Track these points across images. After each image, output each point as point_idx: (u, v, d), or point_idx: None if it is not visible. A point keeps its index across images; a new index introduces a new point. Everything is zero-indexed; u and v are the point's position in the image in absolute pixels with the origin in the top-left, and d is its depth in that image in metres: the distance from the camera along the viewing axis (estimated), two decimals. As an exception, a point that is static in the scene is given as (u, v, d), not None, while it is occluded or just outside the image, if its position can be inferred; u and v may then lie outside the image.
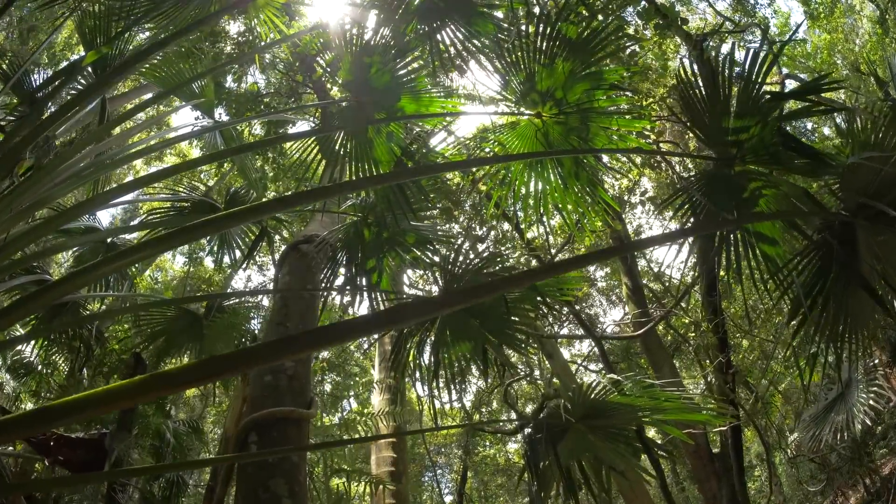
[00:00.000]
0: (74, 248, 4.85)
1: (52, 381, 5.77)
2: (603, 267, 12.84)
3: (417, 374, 3.69)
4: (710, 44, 8.82)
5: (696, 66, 2.85)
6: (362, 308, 3.86)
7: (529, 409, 14.76)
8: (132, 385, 0.96)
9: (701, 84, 2.79)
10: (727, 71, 2.73)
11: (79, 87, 3.67)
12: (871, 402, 6.99)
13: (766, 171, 2.82)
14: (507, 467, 16.37)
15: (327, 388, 13.59)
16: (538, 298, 3.61)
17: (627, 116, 3.37)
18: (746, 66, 2.69)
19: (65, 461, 1.40)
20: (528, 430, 3.43)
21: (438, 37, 3.51)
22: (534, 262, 9.67)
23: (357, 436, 9.20)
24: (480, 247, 9.01)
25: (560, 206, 3.56)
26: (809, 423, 7.72)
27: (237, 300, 4.91)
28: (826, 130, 13.13)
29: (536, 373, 13.04)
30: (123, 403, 0.95)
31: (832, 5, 14.36)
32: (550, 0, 4.83)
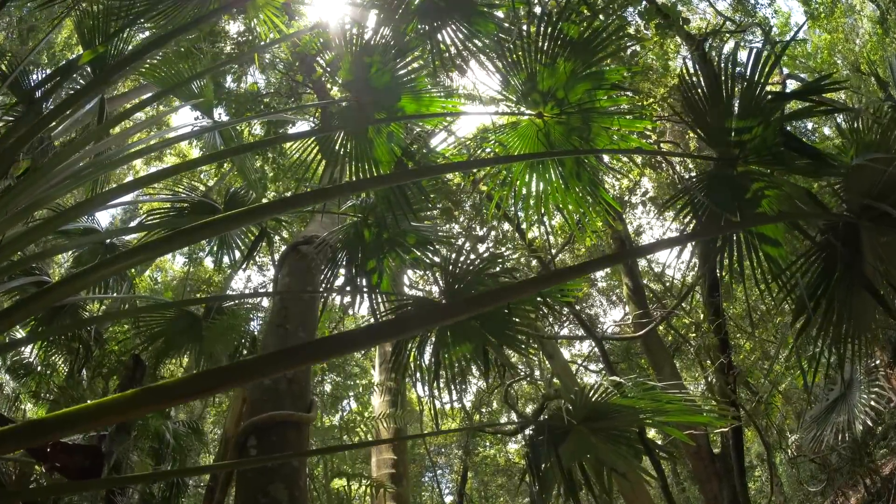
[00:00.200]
0: (74, 249, 4.84)
1: (52, 382, 5.76)
2: (603, 267, 12.81)
3: (418, 375, 3.68)
4: (711, 44, 8.81)
5: (698, 67, 2.83)
6: (362, 309, 3.84)
7: (530, 409, 14.75)
8: (125, 399, 0.94)
9: (703, 84, 2.77)
10: (729, 71, 2.71)
11: (78, 86, 3.65)
12: (872, 402, 6.98)
13: (769, 171, 2.81)
14: (507, 467, 16.35)
15: (327, 388, 13.58)
16: (539, 299, 3.60)
17: (629, 116, 3.35)
18: (749, 67, 2.68)
19: (62, 467, 1.38)
20: (529, 432, 3.41)
21: (439, 36, 3.49)
22: (534, 263, 9.65)
23: (357, 437, 9.19)
24: (481, 247, 9.00)
25: (561, 206, 3.55)
26: (811, 423, 7.71)
27: (237, 301, 4.90)
28: (826, 130, 13.12)
29: (537, 373, 13.02)
30: (116, 417, 0.94)
31: (832, 5, 14.35)
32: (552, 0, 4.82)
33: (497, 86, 3.35)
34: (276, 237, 5.65)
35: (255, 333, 4.88)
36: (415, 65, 3.48)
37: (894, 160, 2.43)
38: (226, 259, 4.60)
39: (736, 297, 11.22)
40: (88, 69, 3.90)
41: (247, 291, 12.99)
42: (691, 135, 9.65)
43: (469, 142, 3.85)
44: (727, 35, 10.22)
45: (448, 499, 18.77)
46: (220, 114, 7.74)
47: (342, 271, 3.94)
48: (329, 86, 7.55)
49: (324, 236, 3.99)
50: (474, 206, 8.94)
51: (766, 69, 2.67)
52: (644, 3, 6.88)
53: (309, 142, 3.72)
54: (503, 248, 9.67)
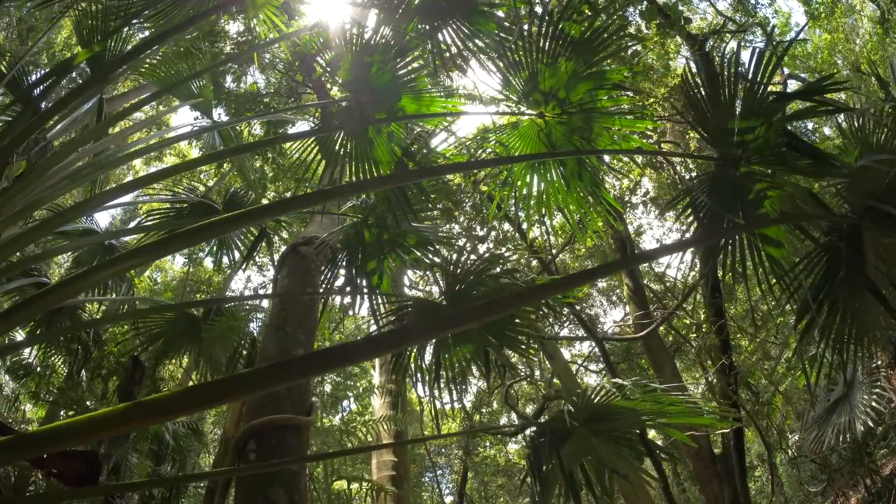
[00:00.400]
0: (72, 251, 4.82)
1: (52, 383, 5.74)
2: (603, 267, 12.78)
3: (418, 376, 3.66)
4: (711, 44, 8.79)
5: (700, 67, 2.82)
6: (363, 310, 3.83)
7: (530, 409, 14.73)
8: (117, 413, 0.92)
9: (706, 84, 2.76)
10: (732, 71, 2.70)
11: (77, 87, 3.64)
12: (873, 403, 6.97)
13: (771, 172, 2.79)
14: (507, 468, 16.33)
15: (327, 388, 13.56)
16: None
17: (630, 116, 3.34)
18: (751, 67, 2.66)
19: (59, 474, 1.36)
20: (531, 434, 3.40)
21: (439, 36, 3.47)
22: (534, 263, 9.64)
23: (357, 438, 9.17)
24: (481, 248, 8.98)
25: (563, 206, 3.53)
26: (812, 424, 7.69)
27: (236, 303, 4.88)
28: (827, 130, 13.10)
29: (537, 374, 13.01)
30: (108, 432, 0.92)
31: (833, 5, 14.33)
32: (552, -1, 4.80)
33: (498, 85, 3.33)
34: (276, 237, 5.63)
35: (255, 335, 4.86)
36: (415, 64, 3.47)
37: (899, 161, 2.41)
38: (225, 259, 4.59)
39: (737, 297, 11.21)
40: (89, 70, 3.88)
41: (247, 292, 12.97)
42: (692, 135, 9.65)
43: (469, 142, 3.83)
44: (728, 35, 10.21)
45: (448, 499, 18.76)
46: (219, 114, 7.72)
47: (342, 272, 3.92)
48: (329, 86, 7.53)
49: (324, 237, 3.97)
50: (474, 207, 8.93)
51: (769, 69, 2.66)
52: (645, 2, 6.86)
53: (309, 142, 3.70)
54: (503, 249, 9.65)
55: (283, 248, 4.70)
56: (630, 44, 6.03)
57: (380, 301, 3.80)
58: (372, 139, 3.54)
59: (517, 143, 3.49)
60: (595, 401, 3.21)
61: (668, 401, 3.11)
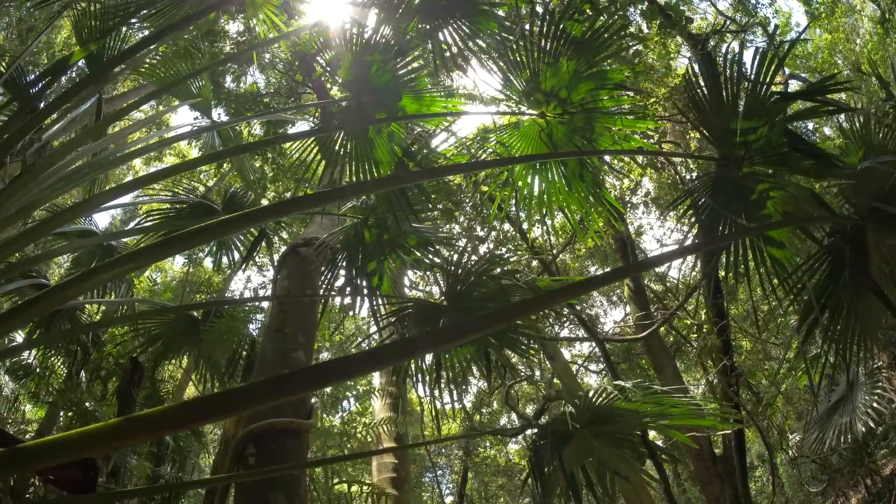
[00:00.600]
0: (71, 252, 4.81)
1: (51, 384, 5.73)
2: (604, 267, 12.78)
3: (419, 377, 3.65)
4: (712, 43, 8.77)
5: (703, 67, 2.80)
6: (363, 311, 3.82)
7: (530, 409, 14.72)
8: (109, 429, 0.91)
9: (708, 85, 2.74)
10: (735, 71, 2.68)
11: (74, 84, 3.61)
12: (874, 404, 6.95)
13: (774, 172, 2.78)
14: (507, 468, 16.31)
15: (327, 388, 13.53)
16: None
17: (631, 117, 3.32)
18: (753, 67, 2.65)
19: (55, 480, 1.35)
20: (533, 436, 3.39)
21: (440, 35, 3.45)
22: (535, 263, 9.62)
23: (358, 441, 9.16)
24: (482, 248, 8.96)
25: (564, 206, 3.52)
26: (814, 425, 7.68)
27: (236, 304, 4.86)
28: (827, 130, 13.08)
29: (538, 374, 12.99)
30: (100, 448, 0.91)
31: (833, 5, 14.31)
32: (553, -1, 4.78)
33: (499, 85, 3.32)
34: (276, 238, 5.62)
35: (255, 336, 4.85)
36: (415, 64, 3.45)
37: (903, 162, 2.40)
38: (225, 260, 4.57)
39: (737, 298, 11.18)
40: (88, 70, 3.87)
41: (246, 292, 12.95)
42: (692, 135, 9.63)
43: (470, 142, 3.81)
44: (729, 35, 10.19)
45: (448, 499, 18.74)
46: (219, 114, 7.71)
47: (342, 273, 3.90)
48: (329, 85, 7.51)
49: (324, 238, 3.95)
50: (475, 206, 8.91)
51: (771, 69, 2.64)
52: (646, 2, 6.85)
53: (309, 142, 3.68)
54: (504, 249, 9.63)
55: (283, 248, 4.68)
56: (631, 43, 6.01)
57: (380, 302, 3.78)
58: (372, 139, 3.52)
59: (518, 143, 3.47)
60: (597, 403, 3.19)
61: (669, 403, 3.10)
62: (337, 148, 3.58)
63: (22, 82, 3.09)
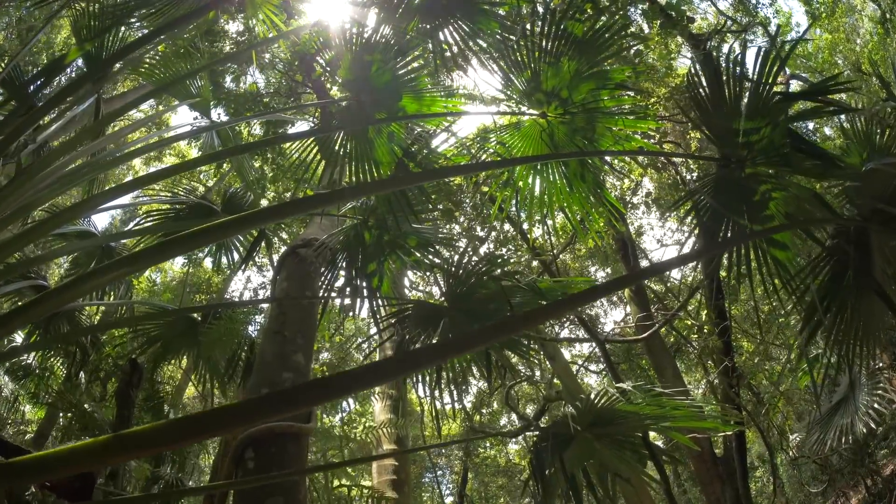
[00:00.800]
0: (70, 253, 4.79)
1: (50, 385, 5.72)
2: (604, 267, 12.76)
3: (419, 377, 3.63)
4: (713, 44, 8.76)
5: (704, 67, 2.79)
6: (363, 312, 3.80)
7: (530, 410, 14.70)
8: (99, 445, 0.89)
9: (710, 85, 2.73)
10: (737, 72, 2.67)
11: (71, 82, 3.60)
12: (874, 404, 6.94)
13: (776, 172, 2.76)
14: (507, 468, 16.30)
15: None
16: (542, 302, 3.55)
17: (632, 117, 3.31)
18: (756, 67, 2.63)
19: (51, 487, 1.33)
20: (534, 439, 3.37)
21: (440, 35, 3.44)
22: (535, 264, 9.60)
23: (358, 443, 9.15)
24: (482, 248, 8.95)
25: (565, 207, 3.50)
26: (814, 425, 7.66)
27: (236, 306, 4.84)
28: (827, 130, 13.06)
29: (538, 374, 12.98)
30: (91, 465, 0.89)
31: (833, 5, 14.30)
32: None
33: (499, 85, 3.30)
34: (276, 238, 5.60)
35: (254, 338, 4.83)
36: (416, 64, 3.43)
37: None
38: (224, 260, 4.55)
39: (738, 298, 11.16)
40: (86, 69, 3.85)
41: (246, 292, 12.93)
42: (692, 135, 9.61)
43: (471, 143, 3.80)
44: (729, 35, 10.17)
45: (448, 500, 18.73)
46: (218, 114, 7.69)
47: (342, 274, 3.88)
48: (329, 85, 7.50)
49: (323, 239, 3.93)
50: (475, 206, 8.89)
51: (774, 69, 2.63)
52: (647, 2, 6.83)
53: (308, 142, 3.66)
54: (504, 250, 9.62)
55: (283, 248, 4.66)
56: (632, 43, 6.00)
57: (380, 303, 3.77)
58: (372, 139, 3.50)
59: (519, 144, 3.46)
60: (598, 405, 3.18)
61: (671, 405, 3.08)
62: (337, 148, 3.56)
63: (19, 81, 3.07)
